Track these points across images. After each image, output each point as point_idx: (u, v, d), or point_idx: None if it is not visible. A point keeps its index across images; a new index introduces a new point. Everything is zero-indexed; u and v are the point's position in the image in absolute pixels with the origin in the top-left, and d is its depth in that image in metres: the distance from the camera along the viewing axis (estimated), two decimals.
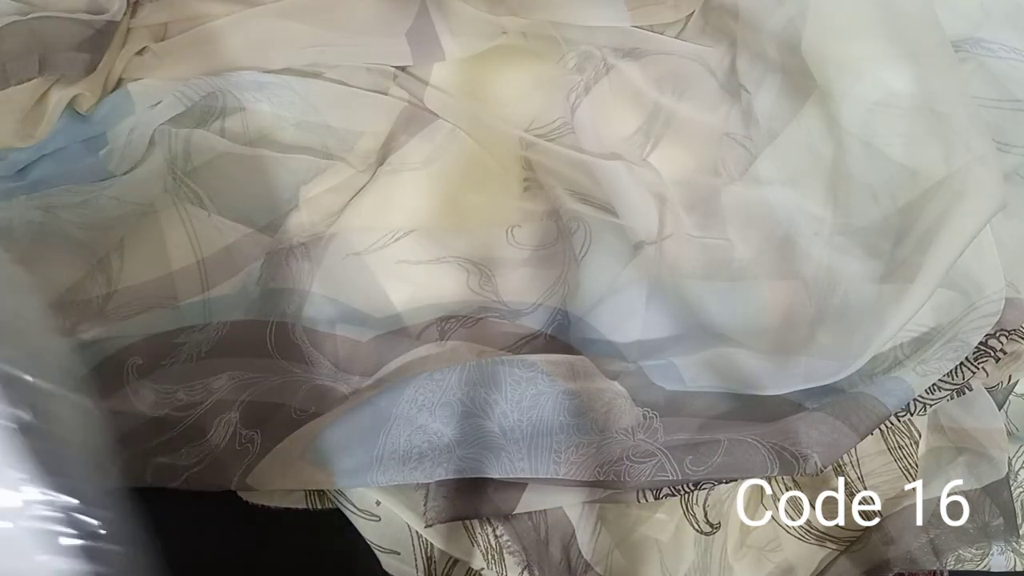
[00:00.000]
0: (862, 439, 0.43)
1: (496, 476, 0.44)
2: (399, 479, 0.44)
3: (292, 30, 0.52)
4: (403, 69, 0.54)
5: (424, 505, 0.46)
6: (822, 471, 0.43)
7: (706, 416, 0.47)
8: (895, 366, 0.46)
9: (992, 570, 0.47)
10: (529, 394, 0.46)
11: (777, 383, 0.46)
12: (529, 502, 0.46)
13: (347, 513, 0.46)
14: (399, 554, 0.47)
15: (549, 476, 0.44)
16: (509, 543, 0.46)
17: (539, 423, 0.46)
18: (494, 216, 0.52)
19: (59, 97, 0.49)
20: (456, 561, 0.48)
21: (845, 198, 0.47)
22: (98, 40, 0.50)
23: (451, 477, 0.45)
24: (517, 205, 0.52)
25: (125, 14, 0.52)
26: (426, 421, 0.45)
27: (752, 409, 0.47)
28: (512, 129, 0.52)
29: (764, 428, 0.44)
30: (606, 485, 0.44)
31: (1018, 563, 0.47)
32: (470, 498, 0.46)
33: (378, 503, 0.47)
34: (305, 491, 0.46)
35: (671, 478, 0.43)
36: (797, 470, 0.42)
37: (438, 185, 0.52)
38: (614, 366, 0.48)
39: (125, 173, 0.50)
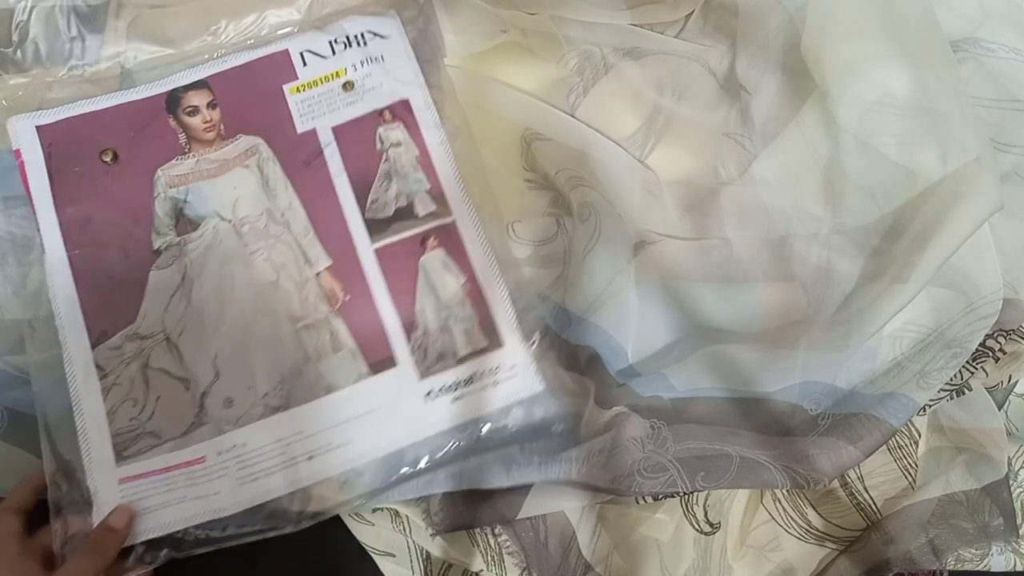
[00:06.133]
0: (869, 456, 0.45)
1: (506, 485, 0.45)
2: (411, 494, 0.45)
3: None
4: None
5: (427, 513, 0.46)
6: (828, 484, 0.44)
7: (713, 423, 0.47)
8: (897, 371, 0.46)
9: (992, 570, 0.47)
10: (535, 423, 0.46)
11: (775, 378, 0.46)
12: (532, 507, 0.46)
13: (343, 516, 0.46)
14: (394, 556, 0.47)
15: (560, 477, 0.44)
16: (509, 544, 0.46)
17: (547, 447, 0.46)
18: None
19: None
20: (451, 564, 0.47)
21: (843, 198, 0.47)
22: None
23: (456, 489, 0.45)
24: (518, 203, 0.51)
25: None
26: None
27: (757, 414, 0.47)
28: (513, 129, 0.52)
29: (774, 449, 0.45)
30: (614, 493, 0.44)
31: (1018, 563, 0.48)
32: (474, 506, 0.46)
33: (374, 511, 0.47)
34: None
35: (681, 492, 0.44)
36: (806, 486, 0.44)
37: None
38: (612, 393, 0.48)
39: None
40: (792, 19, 0.48)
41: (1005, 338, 0.47)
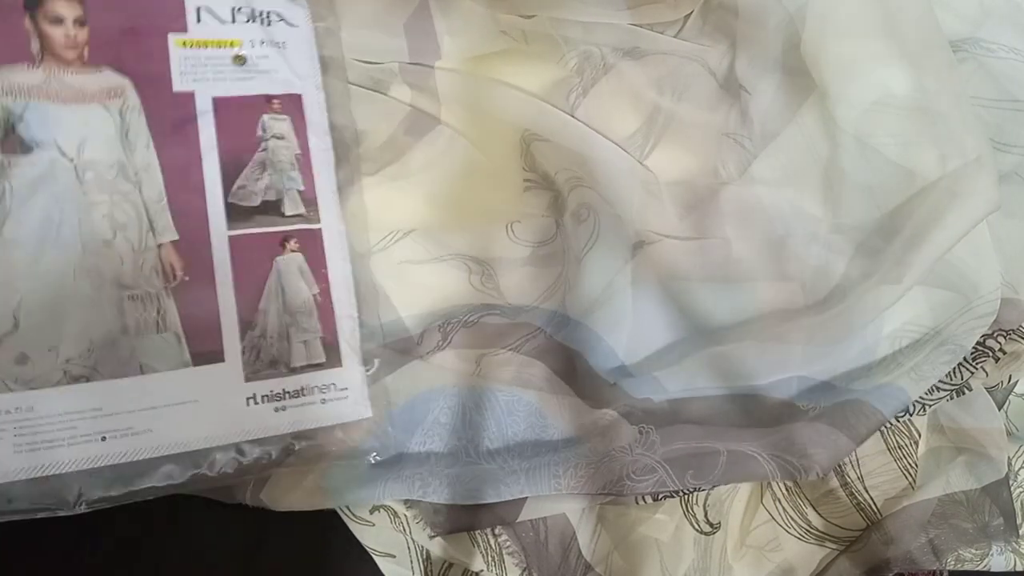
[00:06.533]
0: (860, 445, 0.44)
1: (495, 501, 0.45)
2: (403, 494, 0.45)
3: None
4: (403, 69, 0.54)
5: (426, 515, 0.46)
6: (822, 477, 0.44)
7: (704, 423, 0.47)
8: (893, 366, 0.46)
9: (992, 570, 0.47)
10: (522, 426, 0.47)
11: (770, 372, 0.46)
12: (531, 511, 0.46)
13: (343, 517, 0.46)
14: (395, 557, 0.47)
15: (551, 493, 0.44)
16: (509, 544, 0.46)
17: (535, 452, 0.46)
18: (494, 214, 0.51)
19: None
20: (452, 564, 0.48)
21: (842, 198, 0.47)
22: None
23: (452, 502, 0.45)
24: (517, 204, 0.51)
25: None
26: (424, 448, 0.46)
27: (751, 412, 0.47)
28: (512, 130, 0.52)
29: (764, 439, 0.45)
30: (610, 495, 0.44)
31: (1018, 563, 0.48)
32: (474, 510, 0.45)
33: (372, 511, 0.47)
34: None
35: (672, 490, 0.44)
36: (798, 476, 0.43)
37: (439, 187, 0.52)
38: (604, 394, 0.48)
39: None
40: (792, 19, 0.48)
41: (1005, 338, 0.47)
